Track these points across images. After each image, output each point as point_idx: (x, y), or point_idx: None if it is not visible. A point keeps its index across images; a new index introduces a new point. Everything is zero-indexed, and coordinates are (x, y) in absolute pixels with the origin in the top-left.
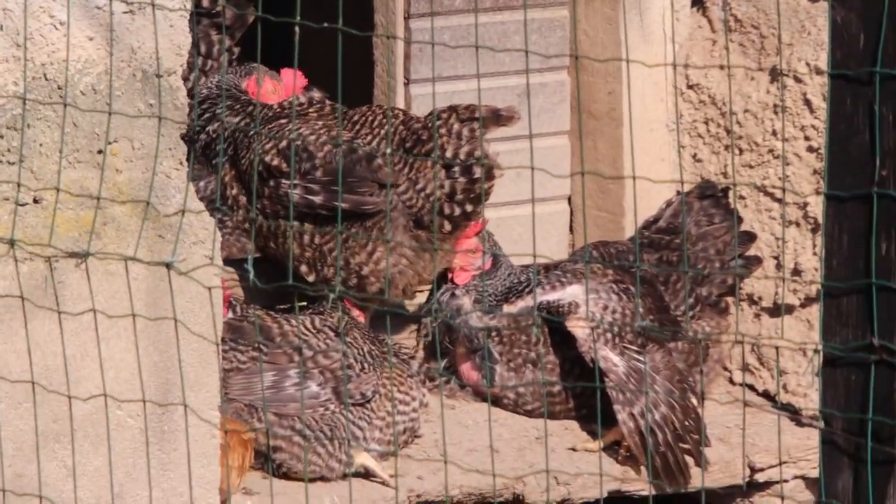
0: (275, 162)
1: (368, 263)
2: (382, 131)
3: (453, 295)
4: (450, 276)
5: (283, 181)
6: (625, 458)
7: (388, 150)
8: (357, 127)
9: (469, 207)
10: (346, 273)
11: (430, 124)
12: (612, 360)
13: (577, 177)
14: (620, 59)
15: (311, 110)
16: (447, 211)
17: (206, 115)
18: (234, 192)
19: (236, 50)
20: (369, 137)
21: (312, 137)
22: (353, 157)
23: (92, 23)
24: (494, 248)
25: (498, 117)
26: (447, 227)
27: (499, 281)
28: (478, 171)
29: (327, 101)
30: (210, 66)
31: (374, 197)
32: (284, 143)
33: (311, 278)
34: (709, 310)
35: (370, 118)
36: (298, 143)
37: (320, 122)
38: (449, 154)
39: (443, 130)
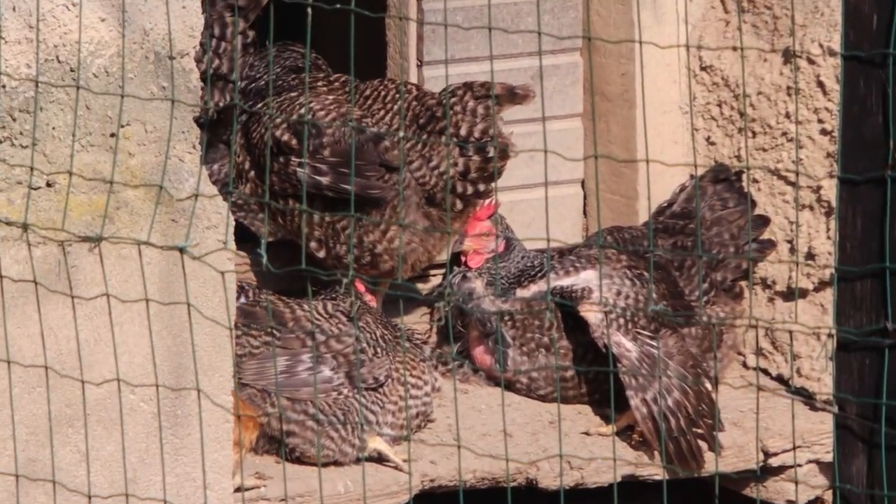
0: (284, 137)
1: (382, 242)
2: (395, 107)
3: (465, 278)
4: (463, 259)
5: (293, 158)
6: (638, 442)
7: (401, 133)
8: (369, 102)
9: (482, 186)
10: (359, 251)
11: (444, 101)
12: (624, 345)
13: (591, 160)
14: (633, 40)
15: (319, 83)
16: (459, 189)
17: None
18: (246, 166)
19: (251, 33)
20: (381, 113)
21: (322, 113)
22: (360, 138)
23: (104, 4)
24: (507, 231)
25: (513, 95)
26: (458, 205)
27: (511, 264)
28: (492, 150)
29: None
30: (224, 49)
31: (381, 181)
32: (294, 118)
33: (321, 254)
34: (723, 294)
35: (382, 93)
36: (308, 117)
37: (331, 97)
38: (463, 132)
39: (457, 107)
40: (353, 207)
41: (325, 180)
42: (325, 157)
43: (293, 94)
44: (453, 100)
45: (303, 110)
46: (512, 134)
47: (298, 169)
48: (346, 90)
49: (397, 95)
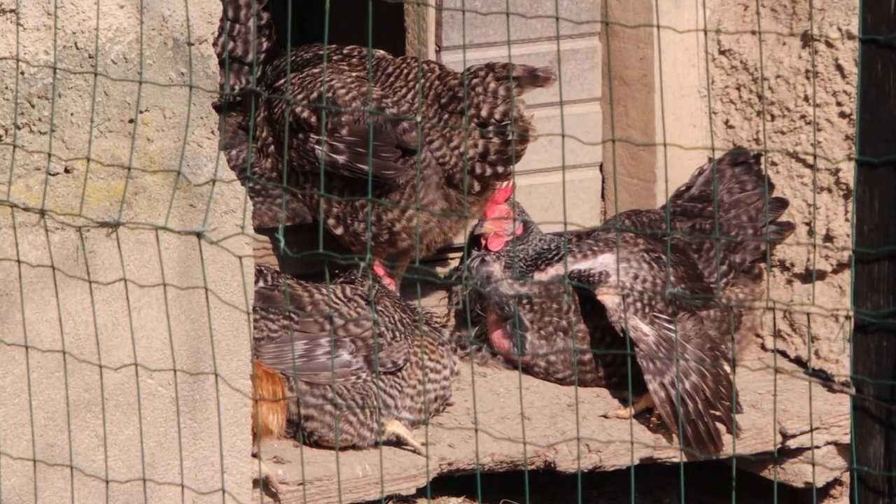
0: (304, 114)
1: (401, 220)
2: (417, 85)
3: (483, 261)
4: (483, 242)
5: (312, 136)
6: (656, 425)
7: (419, 118)
8: (392, 79)
9: (500, 168)
10: (377, 229)
11: (464, 81)
12: (642, 329)
13: (609, 144)
14: (652, 24)
15: (342, 62)
16: (478, 171)
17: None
18: (265, 135)
19: (265, 15)
20: (404, 91)
21: (343, 91)
22: (378, 118)
23: None
24: (523, 214)
25: (535, 77)
26: (476, 187)
27: (529, 247)
28: (512, 134)
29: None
30: (238, 31)
31: (397, 163)
32: (315, 94)
33: (339, 231)
34: (742, 276)
35: (405, 71)
36: (329, 95)
37: (353, 75)
38: (484, 113)
39: (479, 88)
40: (371, 188)
41: (341, 159)
42: (343, 136)
43: (315, 71)
44: (475, 81)
45: (323, 87)
46: (533, 117)
47: (316, 147)
48: (365, 67)
49: (419, 74)
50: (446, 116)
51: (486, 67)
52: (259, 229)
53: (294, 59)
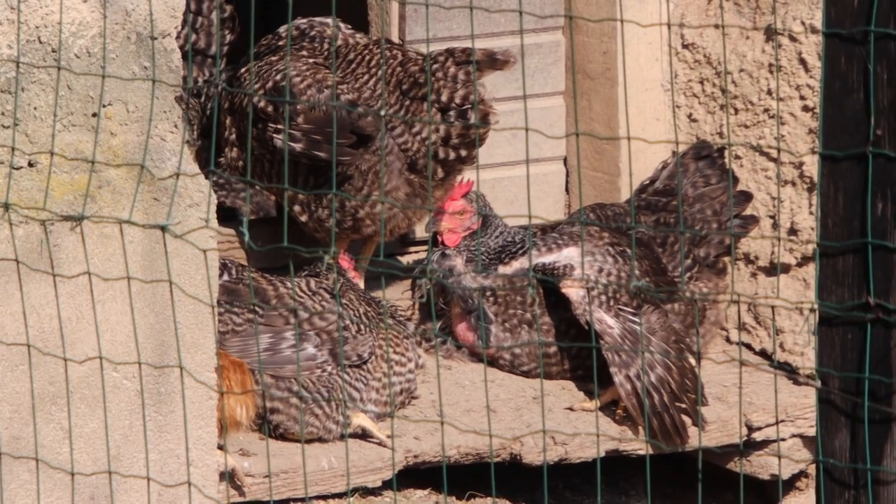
0: (261, 104)
1: (364, 206)
2: (379, 72)
3: (445, 255)
4: (439, 238)
5: (270, 125)
6: (622, 418)
7: (382, 109)
8: (353, 66)
9: (464, 152)
10: (341, 215)
11: (426, 67)
12: (606, 322)
13: (573, 137)
14: (615, 18)
15: (304, 50)
16: (441, 155)
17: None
18: (227, 125)
19: (228, 7)
20: (366, 77)
21: (298, 79)
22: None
23: None
24: (485, 208)
25: (494, 60)
26: (440, 172)
27: (490, 240)
28: (473, 117)
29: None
30: (201, 24)
31: (352, 148)
32: (271, 84)
33: (303, 218)
34: (707, 271)
35: (367, 57)
36: (284, 84)
37: (310, 62)
38: (444, 98)
39: (439, 74)
40: (335, 175)
41: (298, 147)
42: (299, 124)
43: (273, 59)
44: (435, 66)
45: (278, 76)
46: (494, 99)
47: (275, 136)
48: (328, 55)
49: (381, 60)
50: (408, 103)
51: (445, 52)
52: (222, 223)
53: (267, 45)
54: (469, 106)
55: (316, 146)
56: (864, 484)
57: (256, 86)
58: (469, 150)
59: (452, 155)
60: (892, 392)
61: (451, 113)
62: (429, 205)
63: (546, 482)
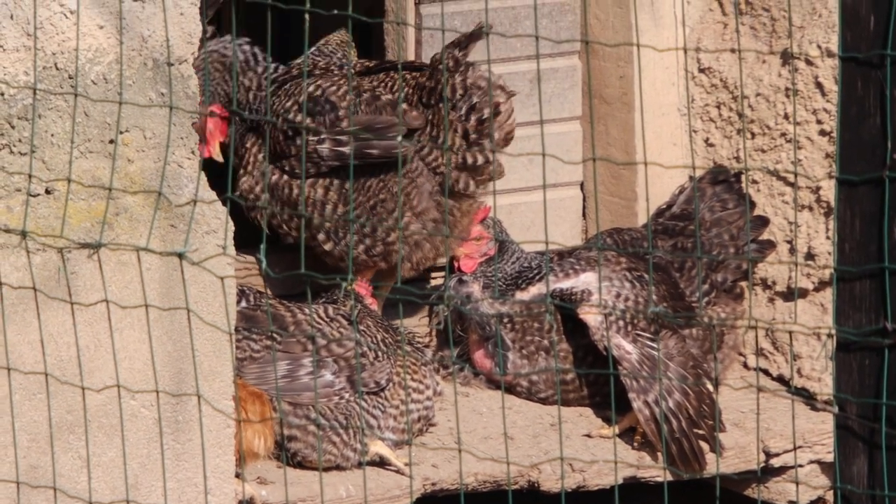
0: (298, 118)
1: (395, 230)
2: (397, 96)
3: (462, 282)
4: (455, 264)
5: (310, 137)
6: (640, 444)
7: (401, 102)
8: (374, 83)
9: (487, 144)
10: (371, 241)
11: (432, 72)
12: (624, 347)
13: (590, 162)
14: (631, 43)
15: (317, 72)
16: (469, 161)
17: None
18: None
19: (209, 28)
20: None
21: (333, 88)
22: (377, 104)
23: (102, 11)
24: (501, 234)
25: (471, 36)
26: (472, 186)
27: (507, 266)
28: (485, 111)
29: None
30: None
31: (405, 140)
32: (304, 97)
33: (327, 247)
34: (724, 295)
35: (386, 80)
36: (319, 94)
37: (336, 76)
38: (448, 94)
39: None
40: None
41: (347, 150)
42: (345, 128)
43: (299, 80)
44: (429, 73)
45: (311, 88)
46: (501, 77)
47: (319, 146)
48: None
49: (400, 82)
50: (430, 116)
51: (431, 60)
52: (240, 249)
53: (285, 73)
54: (473, 91)
55: (367, 144)
56: None
57: (288, 104)
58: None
59: (480, 159)
60: None
61: (462, 107)
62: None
63: None
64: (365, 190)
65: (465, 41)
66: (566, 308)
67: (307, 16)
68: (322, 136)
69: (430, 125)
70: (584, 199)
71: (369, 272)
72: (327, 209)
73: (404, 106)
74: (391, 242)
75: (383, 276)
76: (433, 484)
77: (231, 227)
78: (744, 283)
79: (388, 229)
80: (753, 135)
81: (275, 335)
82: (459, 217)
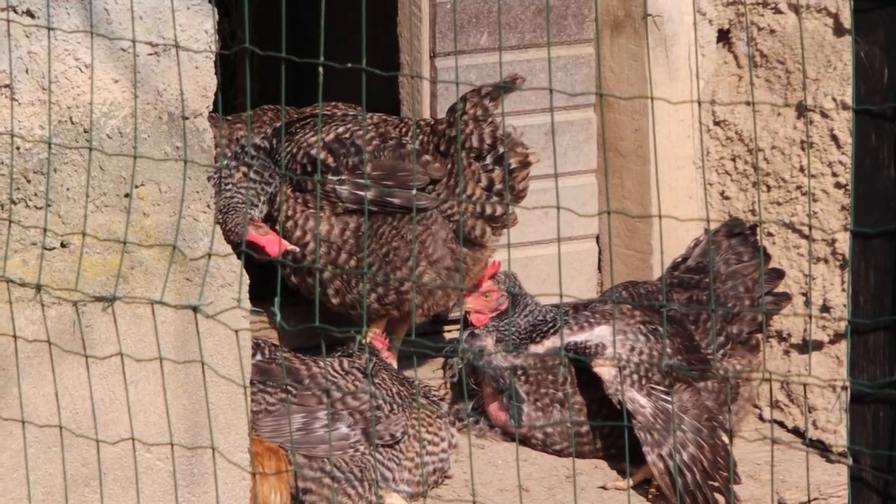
0: (321, 156)
1: (409, 280)
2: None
3: (475, 335)
4: (468, 318)
5: (330, 177)
6: (654, 497)
7: (413, 156)
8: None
9: (509, 198)
10: (383, 289)
11: (451, 119)
12: (639, 401)
13: (605, 215)
14: (646, 96)
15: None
16: (489, 211)
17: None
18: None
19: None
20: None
21: (360, 132)
22: (401, 151)
23: (117, 65)
24: (515, 287)
25: (502, 88)
26: (487, 233)
27: (520, 318)
28: (512, 161)
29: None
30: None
31: (426, 192)
32: (332, 136)
33: (336, 301)
34: (740, 347)
35: (403, 130)
36: (346, 136)
37: (370, 120)
38: (475, 143)
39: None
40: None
41: (370, 195)
42: (368, 173)
43: (328, 120)
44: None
45: (340, 129)
46: (524, 132)
47: (338, 186)
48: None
49: (414, 129)
50: (449, 166)
51: (460, 100)
52: (255, 303)
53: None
54: (501, 141)
55: (388, 192)
56: None
57: (312, 139)
58: (512, 195)
59: (500, 210)
60: None
61: (488, 159)
62: (466, 272)
63: None
64: (378, 237)
65: (497, 92)
66: (580, 361)
67: (321, 69)
68: (343, 177)
69: (448, 174)
70: (600, 253)
71: (382, 321)
72: (341, 259)
73: (427, 157)
74: (405, 291)
75: (394, 324)
76: None
77: (246, 280)
78: (759, 336)
79: (402, 279)
80: (769, 187)
81: (290, 388)
82: (471, 265)
